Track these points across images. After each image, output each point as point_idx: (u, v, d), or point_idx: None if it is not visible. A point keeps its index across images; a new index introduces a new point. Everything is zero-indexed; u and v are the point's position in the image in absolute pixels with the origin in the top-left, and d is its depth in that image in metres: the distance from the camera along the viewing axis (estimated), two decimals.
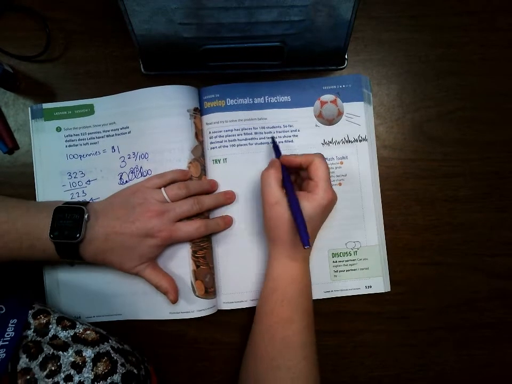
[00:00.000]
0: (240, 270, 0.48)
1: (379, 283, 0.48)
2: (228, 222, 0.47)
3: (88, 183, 0.48)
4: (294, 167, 0.44)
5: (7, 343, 0.34)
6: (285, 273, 0.43)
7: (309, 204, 0.41)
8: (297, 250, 0.42)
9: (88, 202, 0.43)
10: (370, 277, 0.48)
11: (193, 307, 0.46)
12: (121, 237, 0.41)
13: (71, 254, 0.41)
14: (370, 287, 0.48)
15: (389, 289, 0.49)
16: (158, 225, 0.42)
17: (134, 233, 0.41)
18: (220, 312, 0.48)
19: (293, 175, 0.46)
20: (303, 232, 0.39)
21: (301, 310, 0.42)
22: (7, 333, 0.35)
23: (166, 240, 0.43)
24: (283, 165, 0.44)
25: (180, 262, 0.46)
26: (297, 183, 0.46)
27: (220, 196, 0.47)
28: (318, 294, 0.48)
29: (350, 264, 0.48)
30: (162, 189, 0.44)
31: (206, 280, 0.47)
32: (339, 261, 0.48)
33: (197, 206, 0.44)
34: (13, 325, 0.36)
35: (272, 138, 0.48)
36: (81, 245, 0.41)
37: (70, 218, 0.40)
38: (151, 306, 0.47)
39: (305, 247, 0.38)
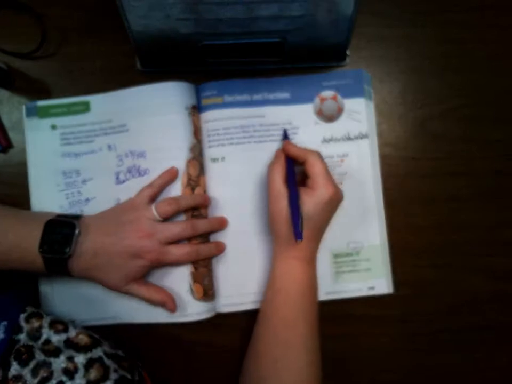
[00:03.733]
0: (239, 272, 0.47)
1: (382, 284, 0.48)
2: (220, 249, 0.47)
3: (84, 182, 0.47)
4: (292, 157, 0.44)
5: None
6: (287, 273, 0.42)
7: (309, 199, 0.41)
8: (299, 249, 0.42)
9: (81, 216, 0.43)
10: (373, 278, 0.48)
11: (191, 310, 0.45)
12: (109, 254, 0.41)
13: (59, 268, 0.41)
14: (373, 288, 0.48)
15: (392, 290, 0.48)
16: (147, 246, 0.41)
17: (123, 252, 0.41)
18: (218, 314, 0.47)
19: (300, 171, 0.45)
20: (296, 225, 0.39)
21: (303, 312, 0.41)
22: None
23: (153, 262, 0.42)
24: (289, 159, 0.44)
25: (179, 265, 0.45)
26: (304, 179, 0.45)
27: (214, 221, 0.47)
28: (319, 295, 0.47)
29: (352, 265, 0.48)
30: (153, 206, 0.43)
31: (205, 282, 0.46)
32: (341, 262, 0.48)
33: (189, 230, 0.44)
34: (4, 327, 0.36)
35: (284, 130, 0.48)
36: (69, 260, 0.40)
37: (60, 232, 0.40)
38: (148, 310, 0.46)
39: (297, 240, 0.39)
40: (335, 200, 0.42)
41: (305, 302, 0.42)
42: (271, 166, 0.44)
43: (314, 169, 0.42)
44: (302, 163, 0.43)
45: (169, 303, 0.44)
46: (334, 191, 0.41)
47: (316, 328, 0.42)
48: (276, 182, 0.42)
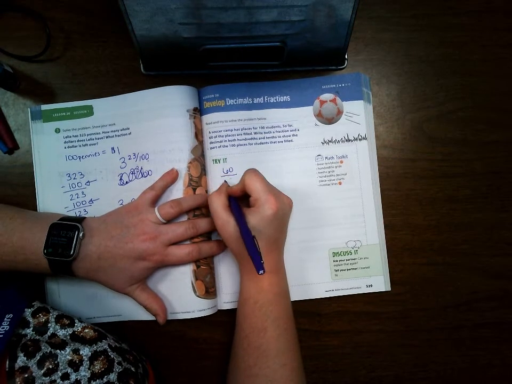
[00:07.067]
0: None
1: (380, 282, 0.48)
2: (221, 248, 0.47)
3: (88, 184, 0.48)
4: (238, 194, 0.44)
5: (2, 336, 0.35)
6: (253, 285, 0.43)
7: (254, 218, 0.41)
8: None
9: (85, 218, 0.43)
10: (371, 275, 0.48)
11: (193, 307, 0.46)
12: (113, 257, 0.41)
13: (64, 270, 0.41)
14: (371, 286, 0.48)
15: (390, 288, 0.49)
16: (150, 248, 0.42)
17: (126, 255, 0.41)
18: (220, 312, 0.48)
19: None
20: (256, 261, 0.39)
21: (272, 318, 0.41)
22: (1, 327, 0.35)
23: (157, 264, 0.43)
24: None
25: (181, 264, 0.46)
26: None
27: None
28: (319, 293, 0.48)
29: (350, 263, 0.48)
30: (156, 209, 0.44)
31: (207, 280, 0.47)
32: (340, 260, 0.48)
33: (192, 230, 0.44)
34: (8, 319, 0.36)
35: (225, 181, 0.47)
36: (74, 262, 0.41)
37: (65, 236, 0.40)
38: None
39: (259, 272, 0.38)
40: (281, 210, 0.42)
41: (274, 309, 0.42)
42: (209, 196, 0.43)
43: (253, 187, 0.41)
44: (247, 191, 0.42)
45: (161, 315, 0.44)
46: (277, 204, 0.41)
47: (290, 331, 0.42)
48: (217, 211, 0.42)
